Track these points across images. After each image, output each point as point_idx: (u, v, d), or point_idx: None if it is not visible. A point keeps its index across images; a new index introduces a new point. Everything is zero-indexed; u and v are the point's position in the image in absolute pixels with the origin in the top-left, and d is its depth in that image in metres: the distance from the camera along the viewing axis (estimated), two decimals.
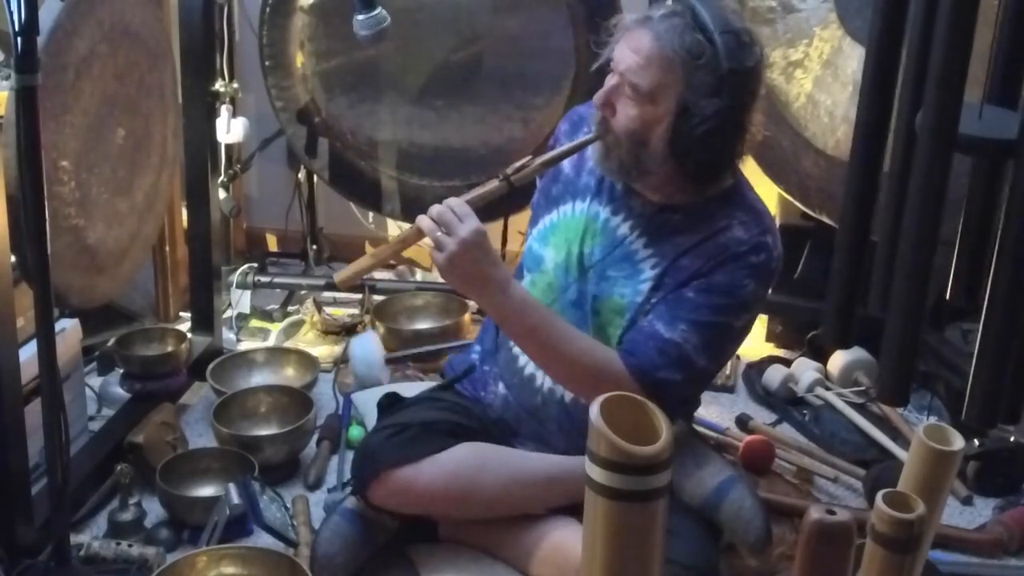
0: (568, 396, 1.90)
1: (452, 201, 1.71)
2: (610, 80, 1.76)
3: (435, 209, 1.70)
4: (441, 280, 2.51)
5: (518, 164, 1.78)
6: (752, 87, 1.73)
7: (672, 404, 1.77)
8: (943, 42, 1.07)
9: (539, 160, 1.79)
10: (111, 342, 2.50)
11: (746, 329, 1.84)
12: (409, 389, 2.13)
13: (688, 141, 1.70)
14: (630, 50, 1.72)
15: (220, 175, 2.83)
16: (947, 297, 1.29)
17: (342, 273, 1.77)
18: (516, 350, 1.95)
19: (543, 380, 1.92)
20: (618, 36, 1.76)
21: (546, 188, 1.98)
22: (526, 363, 1.93)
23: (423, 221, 1.70)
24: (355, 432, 2.34)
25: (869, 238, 1.29)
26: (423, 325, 2.78)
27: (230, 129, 2.91)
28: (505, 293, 1.73)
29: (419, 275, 3.23)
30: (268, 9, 2.71)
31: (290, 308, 3.01)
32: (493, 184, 1.76)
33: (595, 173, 1.90)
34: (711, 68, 1.68)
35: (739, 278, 1.77)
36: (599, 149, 1.81)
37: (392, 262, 3.35)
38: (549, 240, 1.93)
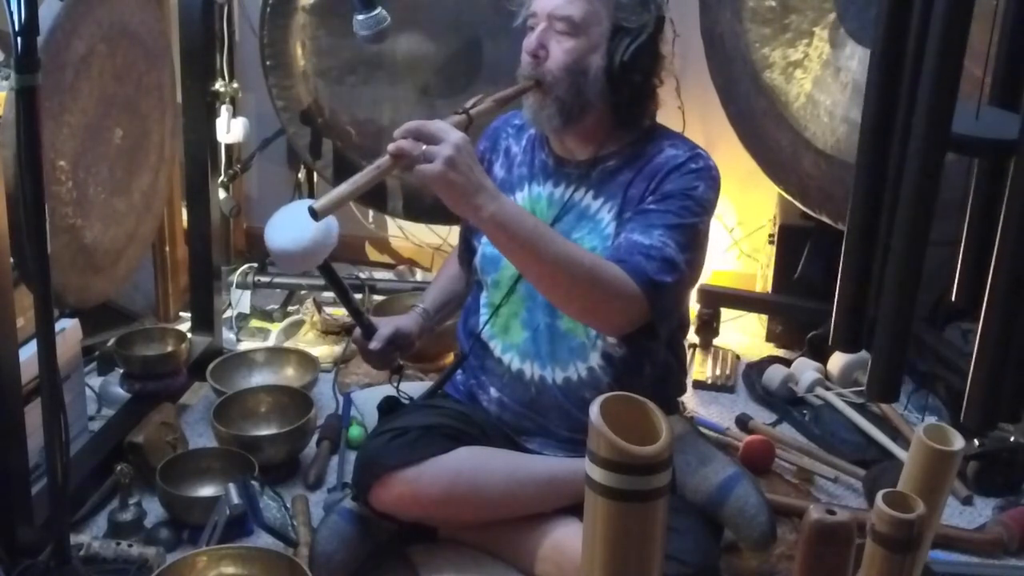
0: (560, 378, 1.91)
1: (420, 121, 1.66)
2: (537, 28, 1.84)
3: (408, 128, 1.64)
4: None
5: (474, 100, 1.81)
6: (663, 4, 1.88)
7: (666, 312, 1.84)
8: (937, 41, 1.08)
9: (492, 97, 1.83)
10: (111, 342, 2.50)
11: (707, 235, 1.89)
12: (408, 390, 2.13)
13: (623, 61, 1.82)
14: None
15: (220, 175, 2.83)
16: (952, 298, 1.30)
17: (320, 201, 1.59)
18: (499, 352, 1.97)
19: (532, 371, 1.93)
20: None
21: None
22: (511, 360, 1.95)
23: (399, 144, 1.61)
24: (355, 432, 2.34)
25: (878, 241, 1.29)
26: None
27: (230, 129, 2.92)
28: (500, 197, 1.70)
29: (419, 275, 3.23)
30: (268, 9, 2.72)
31: (290, 308, 3.01)
32: (455, 118, 1.74)
33: (526, 162, 1.98)
34: None
35: (688, 182, 1.84)
36: (534, 102, 1.86)
37: (392, 261, 3.36)
38: None
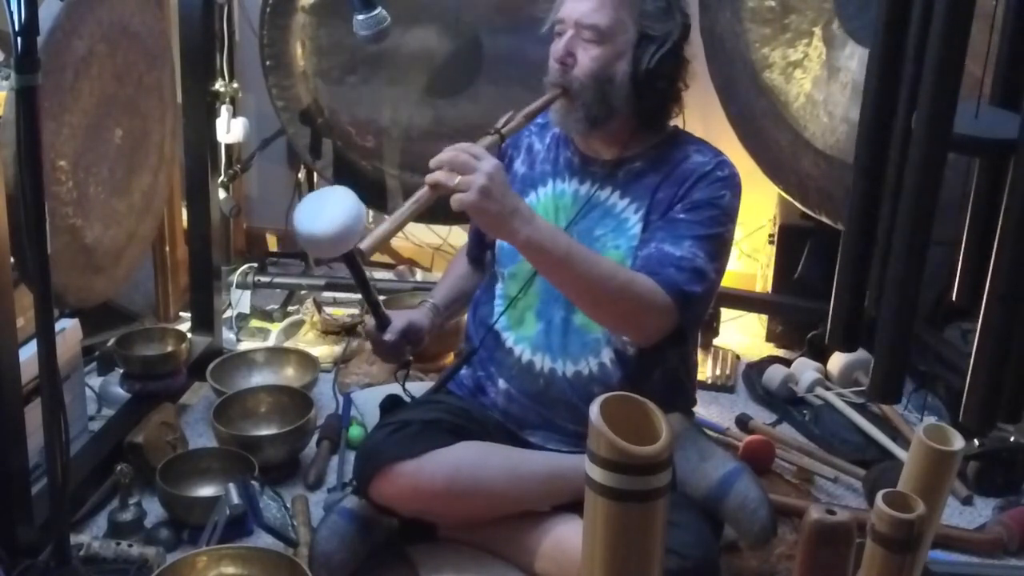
0: (570, 372, 1.92)
1: (458, 146, 1.71)
2: (565, 35, 1.87)
3: (443, 158, 1.68)
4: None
5: (504, 119, 1.84)
6: (687, 11, 1.93)
7: (695, 320, 1.89)
8: (938, 41, 1.08)
9: (522, 113, 1.86)
10: (111, 342, 2.50)
11: (732, 242, 1.94)
12: (409, 390, 2.13)
13: (648, 67, 1.86)
14: (578, 1, 1.86)
15: (220, 175, 2.83)
16: (953, 298, 1.30)
17: (366, 241, 1.69)
18: (511, 343, 1.97)
19: (542, 363, 1.94)
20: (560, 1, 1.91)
21: None
22: (522, 352, 1.96)
23: (435, 176, 1.67)
24: (355, 432, 2.34)
25: (875, 240, 1.29)
26: None
27: (230, 129, 2.92)
28: (535, 220, 1.74)
29: (419, 275, 3.23)
30: (268, 9, 2.72)
31: (290, 308, 3.01)
32: (488, 138, 1.78)
33: (549, 159, 2.01)
34: None
35: (716, 190, 1.89)
36: (561, 108, 1.90)
37: (392, 261, 3.36)
38: None
